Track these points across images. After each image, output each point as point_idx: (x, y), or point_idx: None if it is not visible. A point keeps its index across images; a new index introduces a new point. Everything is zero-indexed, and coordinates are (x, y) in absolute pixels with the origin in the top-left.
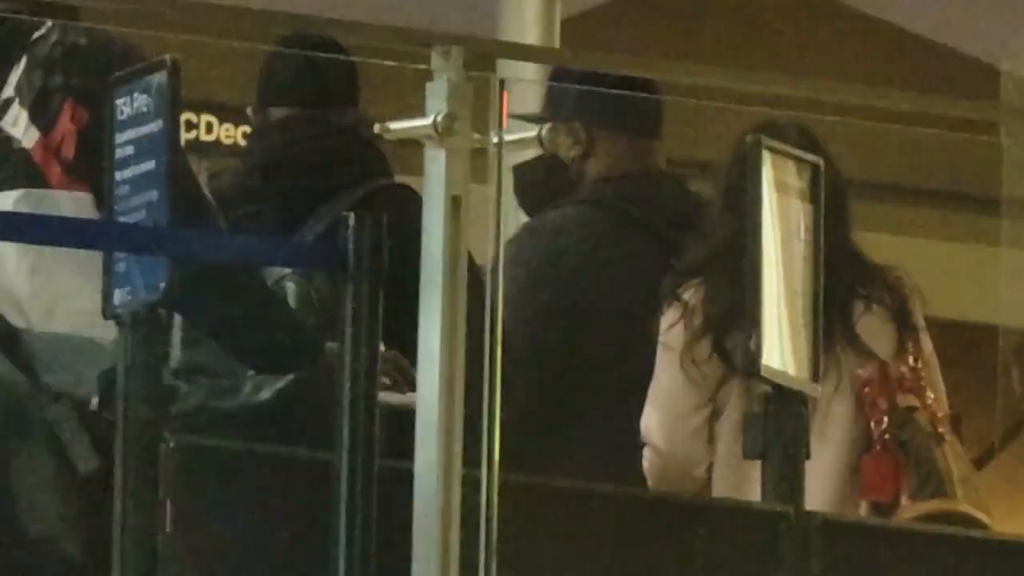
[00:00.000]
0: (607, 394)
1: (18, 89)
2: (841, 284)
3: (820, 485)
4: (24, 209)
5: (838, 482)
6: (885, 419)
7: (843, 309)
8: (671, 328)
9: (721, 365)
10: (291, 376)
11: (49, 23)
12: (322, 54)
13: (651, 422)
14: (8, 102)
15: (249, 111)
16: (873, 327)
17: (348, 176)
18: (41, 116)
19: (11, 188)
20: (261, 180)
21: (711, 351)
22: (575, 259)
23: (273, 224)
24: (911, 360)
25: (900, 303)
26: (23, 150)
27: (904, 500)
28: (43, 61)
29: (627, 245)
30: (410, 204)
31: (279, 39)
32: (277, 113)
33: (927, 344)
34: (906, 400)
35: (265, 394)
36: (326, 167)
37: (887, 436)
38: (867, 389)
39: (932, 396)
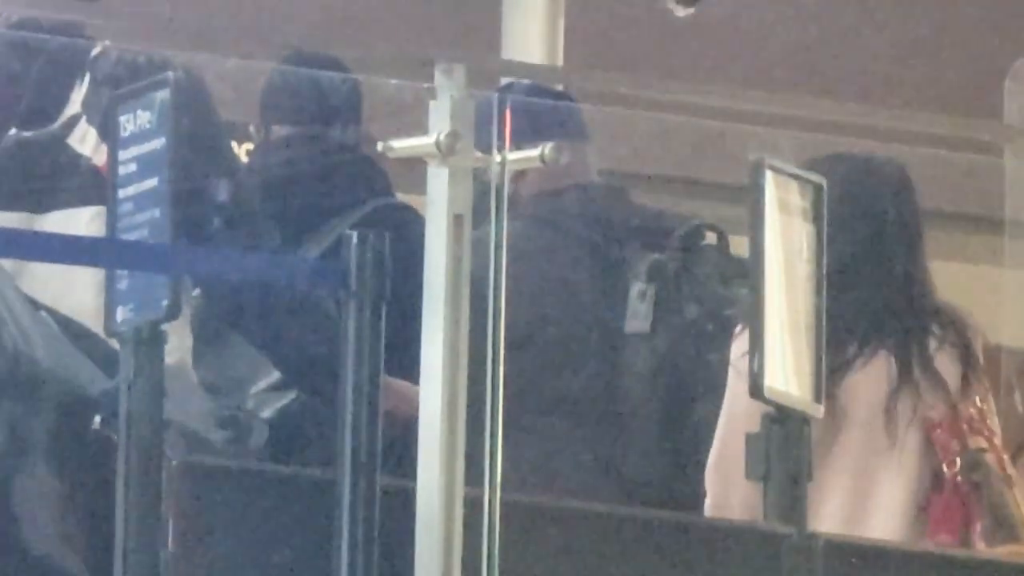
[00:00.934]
0: (556, 414)
1: (85, 106)
2: (918, 320)
3: (889, 519)
4: (100, 226)
5: (907, 519)
6: (958, 460)
7: (921, 345)
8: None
9: None
10: (292, 394)
11: (105, 42)
12: (323, 72)
13: (729, 451)
14: (75, 119)
15: (251, 129)
16: (942, 366)
17: (350, 195)
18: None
19: (85, 204)
20: (263, 198)
21: None
22: (519, 278)
23: (275, 242)
24: (978, 401)
25: (966, 343)
26: (94, 167)
27: (977, 543)
28: (109, 78)
29: (570, 262)
30: (412, 224)
31: (281, 57)
32: (279, 131)
33: (986, 383)
34: (976, 442)
35: (267, 412)
36: (328, 186)
37: (959, 478)
38: (938, 431)
39: (997, 437)
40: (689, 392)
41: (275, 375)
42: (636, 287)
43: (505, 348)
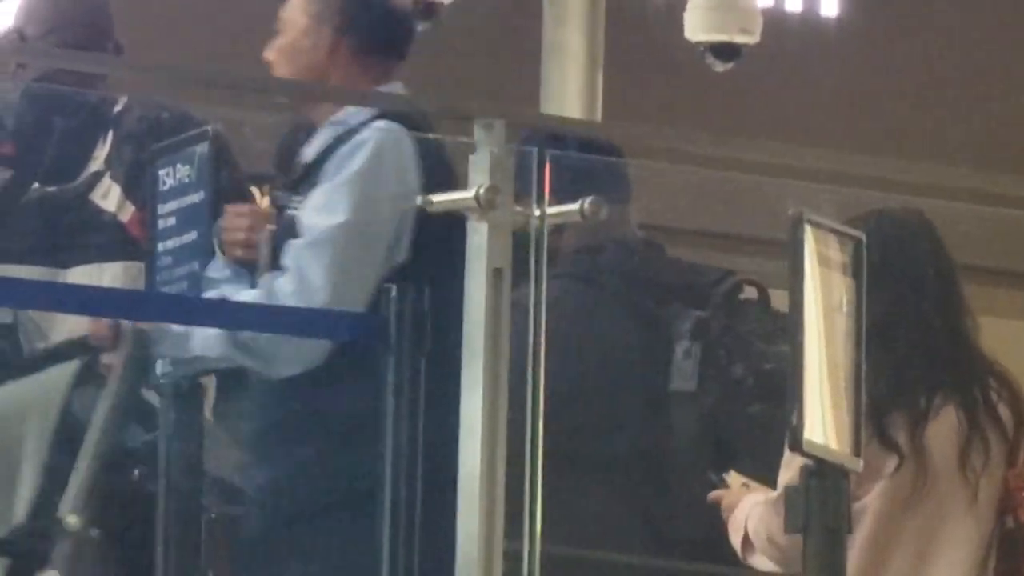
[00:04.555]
0: (599, 473)
1: (108, 163)
2: (976, 373)
3: (961, 565)
4: (125, 280)
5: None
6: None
7: (985, 396)
8: None
9: (880, 450)
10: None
11: (126, 97)
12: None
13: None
14: (97, 176)
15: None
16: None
17: None
18: (136, 191)
19: (108, 259)
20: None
21: (871, 435)
22: (559, 337)
23: None
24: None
25: (1015, 397)
26: (118, 223)
27: None
28: (132, 135)
29: (609, 319)
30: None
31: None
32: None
33: None
34: None
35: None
36: None
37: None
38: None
39: None
40: (734, 450)
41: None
42: (681, 345)
43: (549, 406)
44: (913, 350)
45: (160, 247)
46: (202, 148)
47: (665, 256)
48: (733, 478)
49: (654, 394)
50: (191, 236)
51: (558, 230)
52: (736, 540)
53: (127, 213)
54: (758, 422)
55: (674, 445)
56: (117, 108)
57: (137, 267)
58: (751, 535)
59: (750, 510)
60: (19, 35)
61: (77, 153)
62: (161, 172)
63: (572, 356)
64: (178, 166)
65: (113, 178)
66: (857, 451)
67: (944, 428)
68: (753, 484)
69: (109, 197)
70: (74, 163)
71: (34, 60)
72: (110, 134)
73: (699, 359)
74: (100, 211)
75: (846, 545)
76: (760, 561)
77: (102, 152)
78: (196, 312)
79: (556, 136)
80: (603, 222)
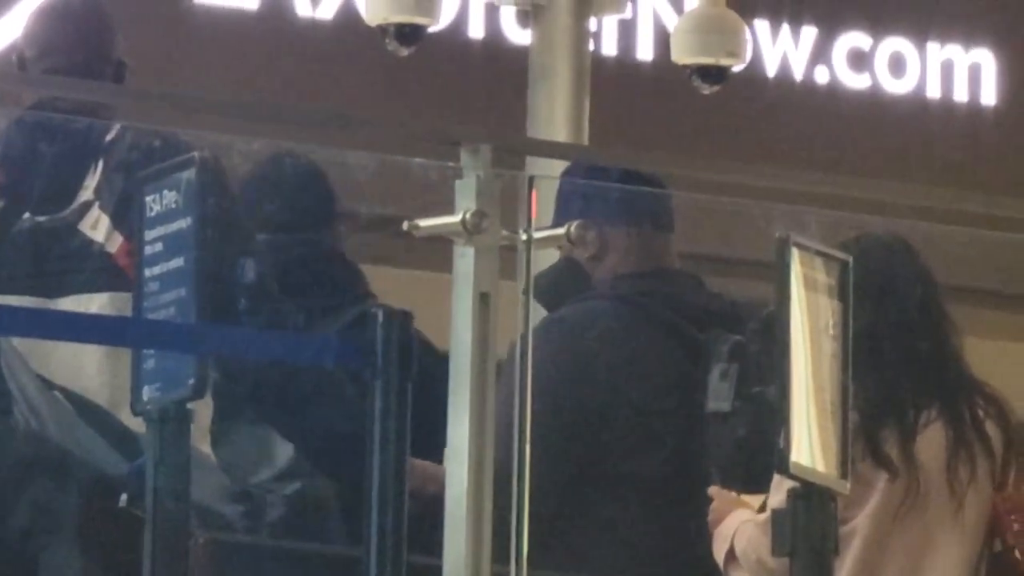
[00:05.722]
0: (633, 493)
1: (97, 192)
2: (964, 389)
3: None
4: (112, 312)
5: None
6: (1016, 526)
7: (972, 412)
8: None
9: (872, 468)
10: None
11: (118, 126)
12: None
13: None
14: (87, 205)
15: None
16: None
17: (333, 298)
18: (124, 221)
19: (96, 291)
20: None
21: (863, 452)
22: (600, 355)
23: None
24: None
25: (1003, 416)
26: (106, 254)
27: None
28: (122, 165)
29: (648, 339)
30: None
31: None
32: (261, 237)
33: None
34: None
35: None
36: (308, 290)
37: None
38: (998, 502)
39: None
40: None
41: (287, 458)
42: (718, 367)
43: (586, 426)
44: (901, 367)
45: (147, 273)
46: (189, 174)
47: (703, 285)
48: (715, 492)
49: (689, 414)
50: (178, 262)
51: (597, 257)
52: (720, 551)
53: (115, 244)
54: None
55: (707, 464)
56: (109, 136)
57: (123, 298)
58: (739, 555)
59: (739, 527)
60: (18, 59)
61: (68, 182)
62: (148, 198)
63: (611, 376)
64: (164, 192)
65: (102, 208)
66: (844, 473)
67: (932, 443)
68: (745, 498)
69: (98, 227)
70: (65, 192)
71: (18, 88)
72: (100, 163)
73: (736, 380)
74: (89, 241)
75: (834, 568)
76: None
77: (92, 181)
78: (181, 337)
79: (598, 167)
80: (646, 250)
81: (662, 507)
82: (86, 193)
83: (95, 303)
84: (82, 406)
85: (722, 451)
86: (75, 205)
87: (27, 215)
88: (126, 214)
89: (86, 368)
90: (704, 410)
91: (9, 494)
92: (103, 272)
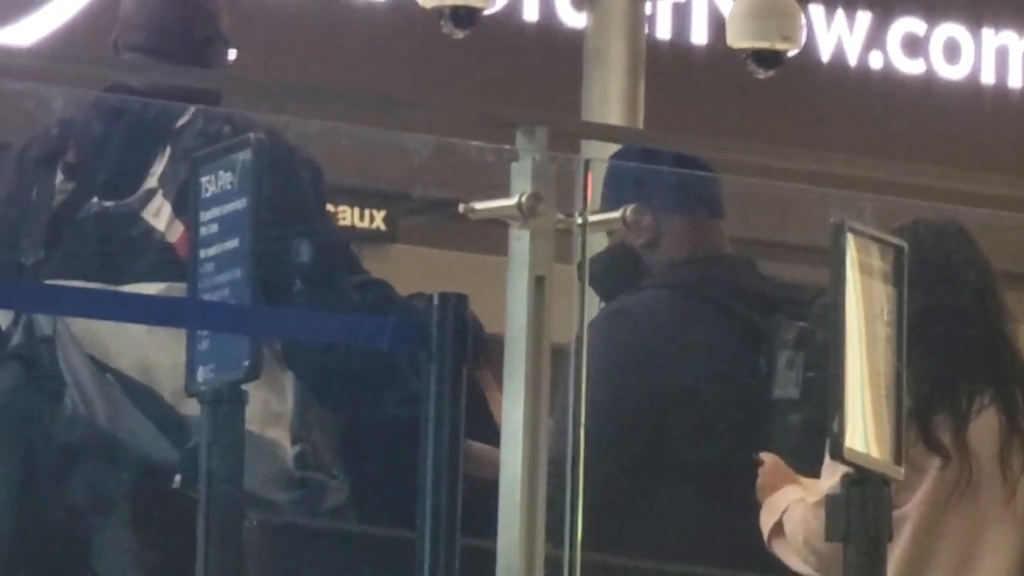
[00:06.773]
0: (693, 479)
1: (162, 181)
2: (1018, 379)
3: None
4: None
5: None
6: None
7: None
8: None
9: (924, 452)
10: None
11: (192, 110)
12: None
13: None
14: (151, 192)
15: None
16: None
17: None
18: (186, 210)
19: (154, 280)
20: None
21: (916, 437)
22: (663, 346)
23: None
24: None
25: None
26: (167, 243)
27: None
28: (187, 152)
29: (710, 328)
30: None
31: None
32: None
33: None
34: None
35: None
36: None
37: None
38: None
39: None
40: None
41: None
42: (784, 354)
43: (651, 416)
44: (954, 352)
45: (202, 254)
46: (245, 155)
47: (757, 270)
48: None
49: (756, 402)
50: (233, 243)
51: (652, 244)
52: (767, 523)
53: (176, 233)
54: None
55: (775, 451)
56: (181, 121)
57: (180, 288)
58: (788, 534)
59: (790, 506)
60: (114, 45)
61: (136, 168)
62: (203, 179)
63: (672, 363)
64: (220, 173)
65: (165, 196)
66: (898, 459)
67: (985, 429)
68: (803, 480)
69: (160, 215)
70: (133, 178)
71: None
72: (168, 149)
73: (803, 368)
74: (151, 230)
75: (887, 554)
76: (785, 553)
77: (158, 168)
78: (236, 319)
79: (650, 151)
80: (700, 235)
81: (726, 495)
82: (152, 180)
83: (152, 292)
84: (132, 389)
85: (791, 438)
86: (140, 192)
87: (95, 199)
88: (187, 203)
89: (142, 350)
90: (769, 397)
91: (61, 476)
92: (162, 261)
